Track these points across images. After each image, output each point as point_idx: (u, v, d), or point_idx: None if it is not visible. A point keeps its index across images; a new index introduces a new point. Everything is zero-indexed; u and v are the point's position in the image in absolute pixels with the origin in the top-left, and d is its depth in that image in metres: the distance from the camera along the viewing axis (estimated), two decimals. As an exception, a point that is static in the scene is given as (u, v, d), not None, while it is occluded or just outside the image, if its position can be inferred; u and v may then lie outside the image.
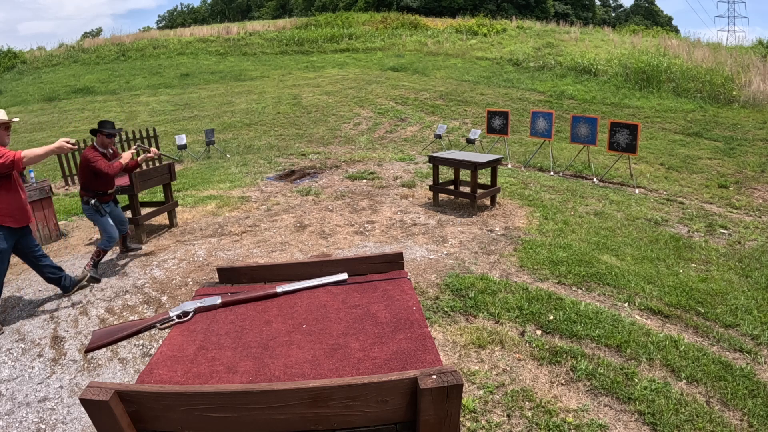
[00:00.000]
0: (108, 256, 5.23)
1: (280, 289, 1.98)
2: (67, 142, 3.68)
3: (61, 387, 3.13)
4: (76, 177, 9.10)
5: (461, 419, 2.66)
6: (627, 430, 2.61)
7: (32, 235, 4.17)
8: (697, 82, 14.70)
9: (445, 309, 3.84)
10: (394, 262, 2.14)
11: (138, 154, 5.32)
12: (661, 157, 9.84)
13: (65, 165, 8.94)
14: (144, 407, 1.29)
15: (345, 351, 1.55)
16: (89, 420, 2.51)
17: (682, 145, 10.78)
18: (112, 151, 4.85)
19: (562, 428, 2.61)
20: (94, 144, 4.64)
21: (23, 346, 3.62)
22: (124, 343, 3.54)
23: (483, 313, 3.79)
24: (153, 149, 5.12)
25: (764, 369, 3.16)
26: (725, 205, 7.08)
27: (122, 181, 5.45)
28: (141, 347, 3.53)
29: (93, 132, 4.63)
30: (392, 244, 5.30)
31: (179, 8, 64.03)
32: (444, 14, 32.30)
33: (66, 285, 4.34)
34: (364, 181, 8.02)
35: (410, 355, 1.49)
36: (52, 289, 4.48)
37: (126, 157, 4.76)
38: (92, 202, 4.61)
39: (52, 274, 4.25)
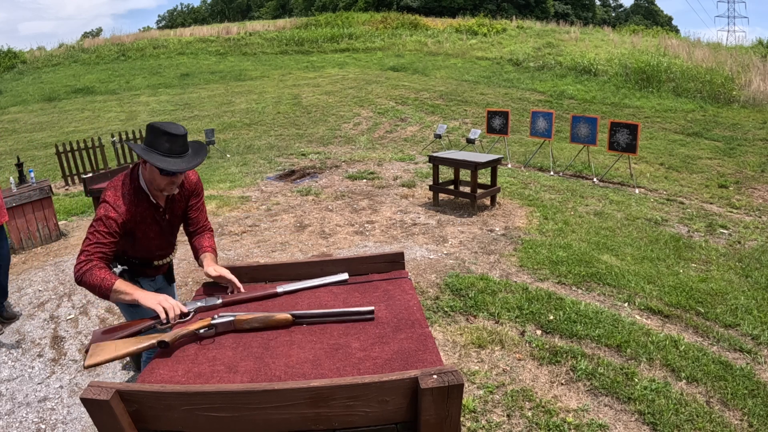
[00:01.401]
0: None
1: (280, 288, 1.98)
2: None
3: (61, 387, 3.13)
4: (76, 177, 9.07)
5: (461, 419, 2.66)
6: (627, 430, 2.61)
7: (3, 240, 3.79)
8: (697, 82, 14.69)
9: (445, 309, 3.85)
10: (395, 261, 2.14)
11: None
12: (661, 157, 9.83)
13: (65, 165, 8.93)
14: (145, 407, 1.29)
15: (346, 351, 1.55)
16: (89, 420, 2.51)
17: (682, 145, 10.78)
18: (172, 202, 2.20)
19: (562, 428, 2.61)
20: (138, 172, 2.08)
21: (23, 346, 3.62)
22: (124, 342, 3.53)
23: (483, 313, 3.80)
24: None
25: (764, 369, 3.16)
26: (725, 205, 7.08)
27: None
28: (141, 347, 3.53)
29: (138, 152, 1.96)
30: (392, 244, 5.30)
31: (179, 8, 64.03)
32: (444, 14, 32.26)
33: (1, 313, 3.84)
34: (364, 181, 8.02)
35: (411, 355, 1.49)
36: (52, 289, 4.48)
37: (143, 297, 1.88)
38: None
39: None
